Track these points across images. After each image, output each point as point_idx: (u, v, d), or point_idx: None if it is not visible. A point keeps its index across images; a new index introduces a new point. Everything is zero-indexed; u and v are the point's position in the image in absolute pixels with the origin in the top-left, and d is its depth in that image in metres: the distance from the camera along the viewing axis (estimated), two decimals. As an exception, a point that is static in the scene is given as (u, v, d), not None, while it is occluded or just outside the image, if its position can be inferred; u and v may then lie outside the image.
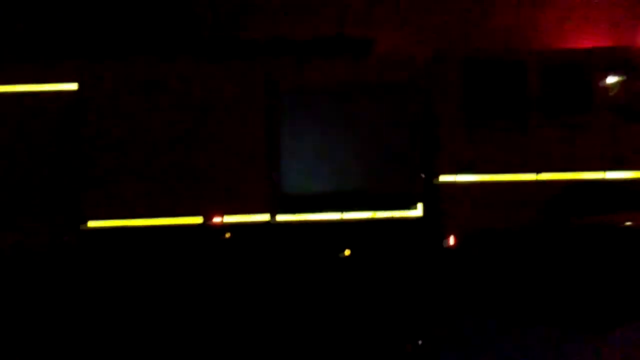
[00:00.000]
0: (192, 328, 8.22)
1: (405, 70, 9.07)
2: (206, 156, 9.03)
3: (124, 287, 8.77)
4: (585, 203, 8.93)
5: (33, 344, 7.93)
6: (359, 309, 8.31)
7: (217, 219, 9.04)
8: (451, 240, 8.88)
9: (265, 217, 9.04)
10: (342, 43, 9.16)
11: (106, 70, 8.93)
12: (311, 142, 9.09)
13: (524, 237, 8.59)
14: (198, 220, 9.04)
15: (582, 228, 7.94)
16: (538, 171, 9.05)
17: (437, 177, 9.05)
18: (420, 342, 6.97)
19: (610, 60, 9.08)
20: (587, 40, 9.28)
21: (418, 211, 9.03)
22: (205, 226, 9.03)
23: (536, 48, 9.57)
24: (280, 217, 9.05)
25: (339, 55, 9.08)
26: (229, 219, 9.04)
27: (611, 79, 9.08)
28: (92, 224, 8.90)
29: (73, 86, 8.98)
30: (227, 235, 9.10)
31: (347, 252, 9.01)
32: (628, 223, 7.09)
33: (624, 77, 9.06)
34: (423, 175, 9.09)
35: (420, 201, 9.03)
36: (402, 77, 9.05)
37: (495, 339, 5.67)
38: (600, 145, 8.99)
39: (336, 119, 9.12)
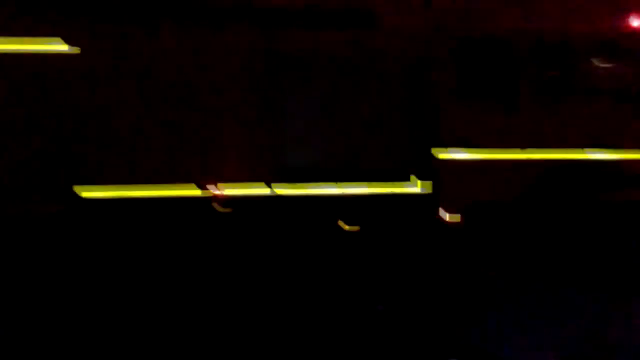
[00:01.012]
0: (188, 305, 8.11)
1: (407, 46, 9.14)
2: (205, 125, 8.82)
3: (119, 259, 8.52)
4: (568, 182, 9.45)
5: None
6: (361, 285, 8.45)
7: (215, 190, 8.90)
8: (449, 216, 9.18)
9: (264, 189, 8.97)
10: (345, 15, 9.09)
11: (107, 33, 8.52)
12: (310, 112, 9.06)
13: (527, 211, 9.11)
14: (195, 191, 8.85)
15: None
16: (525, 148, 9.43)
17: (434, 151, 9.23)
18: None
19: (597, 42, 9.52)
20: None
21: (416, 185, 9.21)
22: (203, 198, 8.87)
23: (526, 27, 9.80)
24: (280, 189, 9.01)
25: (342, 27, 9.02)
26: (228, 190, 8.91)
27: (599, 61, 9.53)
28: (86, 193, 8.55)
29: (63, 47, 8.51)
30: (222, 208, 8.97)
31: (348, 227, 9.10)
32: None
33: (611, 59, 9.53)
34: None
35: (418, 175, 9.21)
36: (403, 52, 9.13)
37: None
38: (584, 124, 9.45)
39: (335, 90, 9.11)
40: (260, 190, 8.96)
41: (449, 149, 9.22)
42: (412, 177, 9.18)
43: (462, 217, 9.09)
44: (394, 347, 6.42)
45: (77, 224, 8.55)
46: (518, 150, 9.41)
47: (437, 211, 9.16)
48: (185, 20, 8.78)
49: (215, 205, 8.86)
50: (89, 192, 8.58)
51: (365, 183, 9.17)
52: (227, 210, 8.90)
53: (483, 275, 8.70)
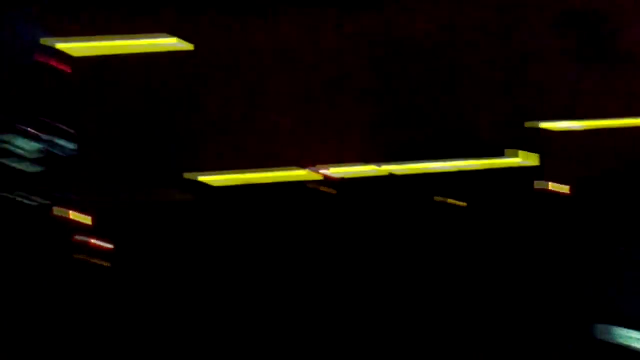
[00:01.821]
0: (297, 288, 8.42)
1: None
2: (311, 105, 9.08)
3: (238, 243, 8.91)
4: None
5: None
6: (478, 263, 8.59)
7: (322, 171, 9.14)
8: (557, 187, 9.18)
9: (373, 168, 9.17)
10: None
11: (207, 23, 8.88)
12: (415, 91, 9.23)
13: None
14: (302, 173, 9.13)
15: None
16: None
17: (540, 124, 9.25)
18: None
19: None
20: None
21: (522, 158, 9.26)
22: (311, 180, 9.13)
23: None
24: (389, 167, 9.20)
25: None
26: (336, 171, 9.15)
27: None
28: (205, 179, 8.98)
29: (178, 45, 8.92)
30: (328, 189, 9.21)
31: (456, 203, 9.23)
32: None
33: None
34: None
35: (524, 148, 9.25)
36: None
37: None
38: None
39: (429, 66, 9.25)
40: (368, 169, 9.14)
41: (555, 121, 9.21)
42: (518, 151, 9.22)
43: (571, 188, 9.08)
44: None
45: (199, 210, 8.98)
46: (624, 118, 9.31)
47: (546, 183, 9.18)
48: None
49: (322, 187, 9.09)
50: (207, 178, 8.99)
51: (473, 159, 9.25)
52: (334, 191, 9.11)
53: (600, 244, 8.69)
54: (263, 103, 9.06)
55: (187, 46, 8.79)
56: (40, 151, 8.73)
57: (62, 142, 8.70)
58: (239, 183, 9.04)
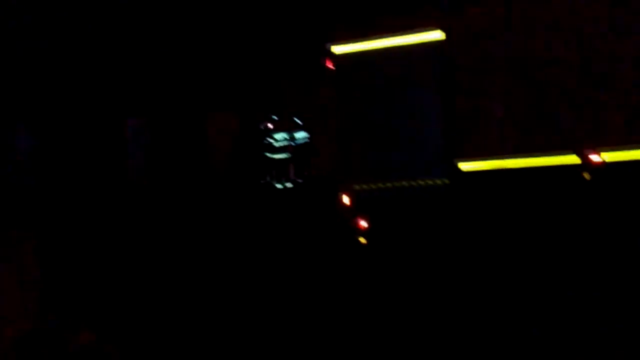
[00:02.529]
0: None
1: None
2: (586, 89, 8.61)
3: (491, 231, 8.72)
4: None
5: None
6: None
7: (593, 157, 8.54)
8: None
9: None
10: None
11: (469, 15, 9.09)
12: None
13: None
14: (573, 158, 8.62)
15: None
16: None
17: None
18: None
19: None
20: None
21: None
22: (582, 165, 8.57)
23: None
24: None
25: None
26: (606, 156, 8.48)
27: None
28: (464, 166, 9.03)
29: (435, 35, 9.26)
30: (587, 175, 8.54)
31: None
32: None
33: None
34: None
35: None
36: None
37: None
38: None
39: None
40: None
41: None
42: None
43: None
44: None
45: (457, 195, 9.05)
46: None
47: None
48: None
49: (586, 173, 8.52)
50: (467, 165, 9.04)
51: None
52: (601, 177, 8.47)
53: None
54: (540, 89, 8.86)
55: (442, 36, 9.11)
56: (287, 141, 9.86)
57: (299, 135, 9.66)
58: (496, 168, 8.93)
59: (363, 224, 9.14)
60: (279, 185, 10.32)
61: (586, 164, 8.50)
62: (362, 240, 9.08)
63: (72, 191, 10.59)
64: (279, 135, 10.43)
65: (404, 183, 9.26)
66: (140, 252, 9.85)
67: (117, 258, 9.68)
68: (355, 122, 9.58)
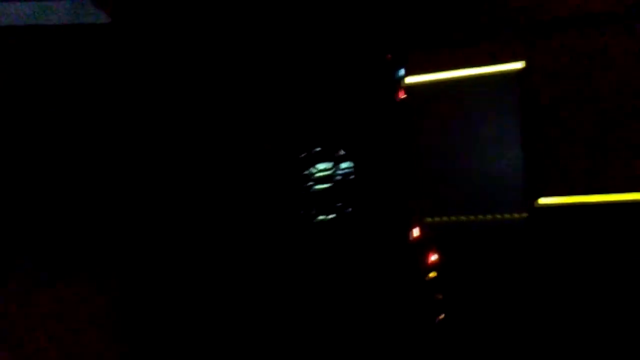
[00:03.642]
0: None
1: None
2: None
3: (571, 266, 8.29)
4: None
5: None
6: None
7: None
8: None
9: None
10: None
11: (550, 45, 8.80)
12: None
13: None
14: None
15: None
16: None
17: None
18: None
19: None
20: None
21: None
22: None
23: None
24: None
25: None
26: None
27: None
28: (543, 200, 8.64)
29: (517, 65, 8.98)
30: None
31: None
32: None
33: None
34: None
35: None
36: None
37: None
38: None
39: None
40: None
41: None
42: None
43: None
44: None
45: (534, 229, 8.64)
46: None
47: None
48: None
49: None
50: (544, 200, 8.66)
51: None
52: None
53: None
54: (619, 119, 8.54)
55: (522, 67, 8.84)
56: (329, 171, 9.48)
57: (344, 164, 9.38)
58: (573, 203, 8.53)
59: (434, 257, 8.78)
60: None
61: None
62: (433, 274, 8.71)
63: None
64: (323, 165, 9.89)
65: (479, 217, 8.90)
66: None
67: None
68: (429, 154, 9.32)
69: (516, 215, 8.76)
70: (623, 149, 8.47)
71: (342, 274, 8.95)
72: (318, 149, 9.68)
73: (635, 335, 7.18)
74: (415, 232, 9.05)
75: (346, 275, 8.94)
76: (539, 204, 8.69)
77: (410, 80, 9.53)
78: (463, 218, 8.94)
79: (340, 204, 9.33)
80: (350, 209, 9.30)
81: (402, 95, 9.46)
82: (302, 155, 9.68)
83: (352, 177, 9.44)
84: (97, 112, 9.54)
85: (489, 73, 9.15)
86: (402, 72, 9.59)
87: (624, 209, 8.31)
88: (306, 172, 9.64)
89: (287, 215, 9.52)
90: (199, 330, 8.83)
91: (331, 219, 9.36)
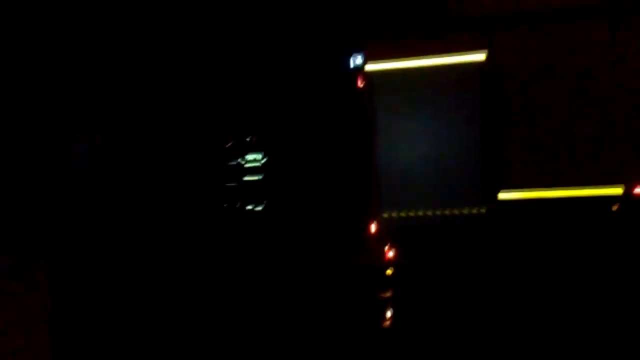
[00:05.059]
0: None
1: None
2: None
3: (531, 260, 8.13)
4: None
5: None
6: None
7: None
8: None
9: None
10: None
11: (510, 38, 8.57)
12: None
13: None
14: (617, 190, 8.09)
15: None
16: None
17: None
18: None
19: None
20: None
21: None
22: (626, 196, 8.00)
23: None
24: None
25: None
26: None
27: None
28: (503, 195, 8.43)
29: (479, 56, 8.70)
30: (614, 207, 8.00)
31: None
32: None
33: None
34: None
35: None
36: None
37: None
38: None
39: None
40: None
41: None
42: None
43: None
44: None
45: (494, 223, 8.42)
46: None
47: None
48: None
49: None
50: (504, 195, 8.45)
51: None
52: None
53: None
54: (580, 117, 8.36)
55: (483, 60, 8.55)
56: (258, 162, 8.88)
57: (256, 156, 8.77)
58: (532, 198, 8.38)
59: (390, 253, 8.44)
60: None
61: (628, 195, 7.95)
62: (389, 271, 8.37)
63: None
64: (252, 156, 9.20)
65: (437, 212, 8.62)
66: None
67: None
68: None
69: (474, 211, 8.51)
70: (583, 143, 8.33)
71: (276, 269, 8.43)
72: (248, 138, 8.99)
73: (594, 323, 7.05)
74: (372, 227, 8.69)
75: (283, 271, 8.43)
76: (499, 199, 8.46)
77: (370, 67, 9.12)
78: (421, 213, 8.65)
79: (274, 197, 8.74)
80: (284, 202, 8.71)
81: (361, 82, 9.04)
82: (227, 144, 8.99)
83: (288, 167, 8.78)
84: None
85: (450, 64, 8.84)
86: (360, 59, 9.16)
87: (581, 203, 8.18)
88: (232, 163, 8.97)
89: (207, 207, 8.93)
90: (129, 325, 8.23)
91: (261, 211, 8.76)
